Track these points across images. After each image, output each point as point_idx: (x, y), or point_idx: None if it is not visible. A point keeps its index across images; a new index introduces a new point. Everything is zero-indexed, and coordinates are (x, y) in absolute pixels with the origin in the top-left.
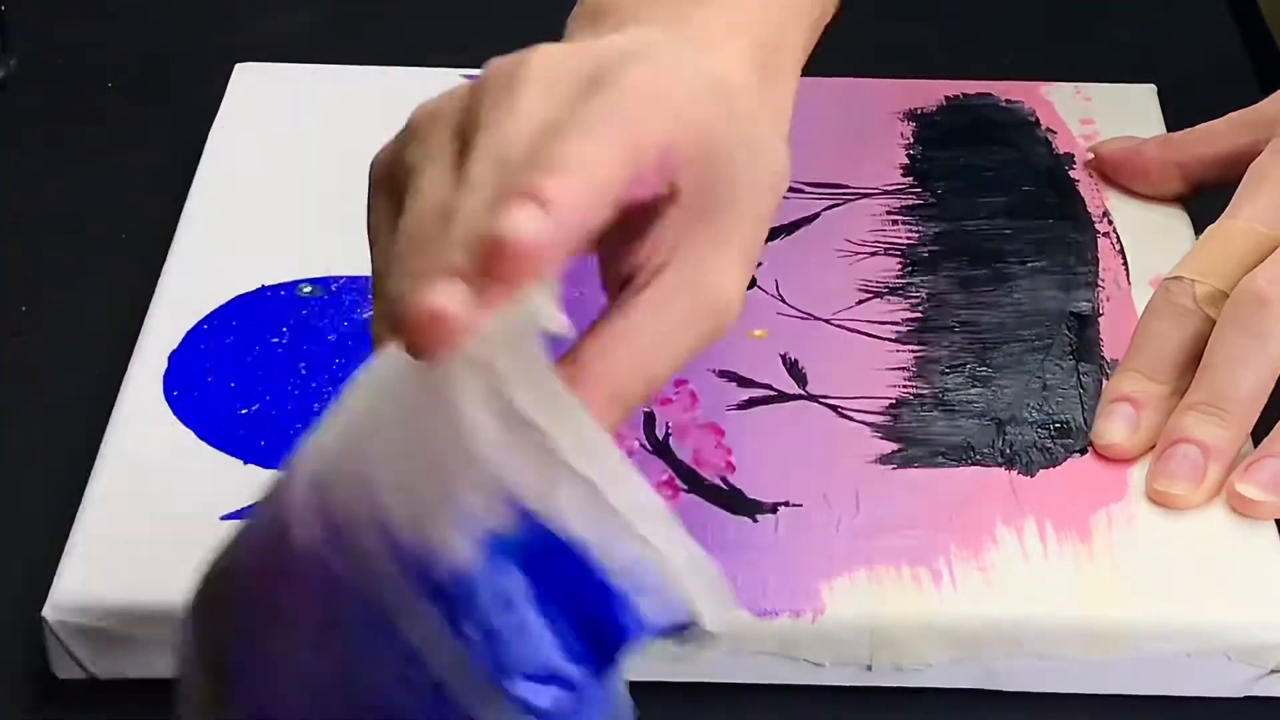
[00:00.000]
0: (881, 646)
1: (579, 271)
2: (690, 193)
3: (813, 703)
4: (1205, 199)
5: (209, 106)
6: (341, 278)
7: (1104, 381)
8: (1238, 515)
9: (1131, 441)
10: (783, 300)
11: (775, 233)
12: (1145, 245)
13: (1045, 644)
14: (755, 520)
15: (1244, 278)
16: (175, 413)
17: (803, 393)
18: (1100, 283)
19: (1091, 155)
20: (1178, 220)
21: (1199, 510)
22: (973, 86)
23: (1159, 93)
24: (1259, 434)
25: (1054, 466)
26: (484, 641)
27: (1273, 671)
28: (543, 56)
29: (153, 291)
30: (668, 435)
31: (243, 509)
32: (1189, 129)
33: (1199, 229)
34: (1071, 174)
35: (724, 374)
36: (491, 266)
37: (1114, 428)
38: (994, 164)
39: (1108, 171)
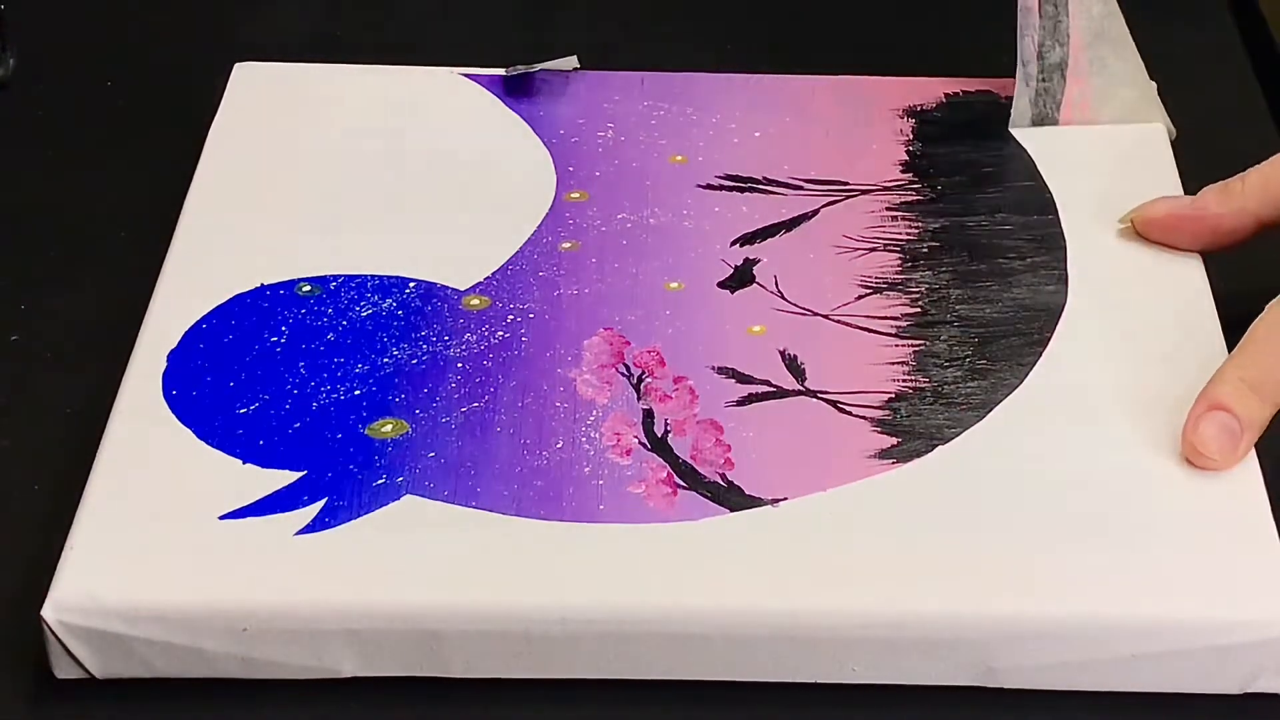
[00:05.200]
0: (881, 643)
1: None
2: None
3: (812, 700)
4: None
5: (209, 106)
6: (340, 276)
7: None
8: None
9: (1229, 460)
10: (782, 296)
11: (775, 229)
12: (1143, 240)
13: (1045, 641)
14: (754, 517)
15: None
16: (174, 412)
17: (801, 388)
18: None
19: (1125, 224)
20: None
21: (1199, 506)
22: (972, 84)
23: (1158, 90)
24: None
25: None
26: None
27: (1273, 667)
28: None
29: (152, 291)
30: (666, 432)
31: (242, 509)
32: (1238, 176)
33: None
34: None
35: (723, 370)
36: None
37: (1217, 441)
38: (993, 160)
39: (1157, 236)
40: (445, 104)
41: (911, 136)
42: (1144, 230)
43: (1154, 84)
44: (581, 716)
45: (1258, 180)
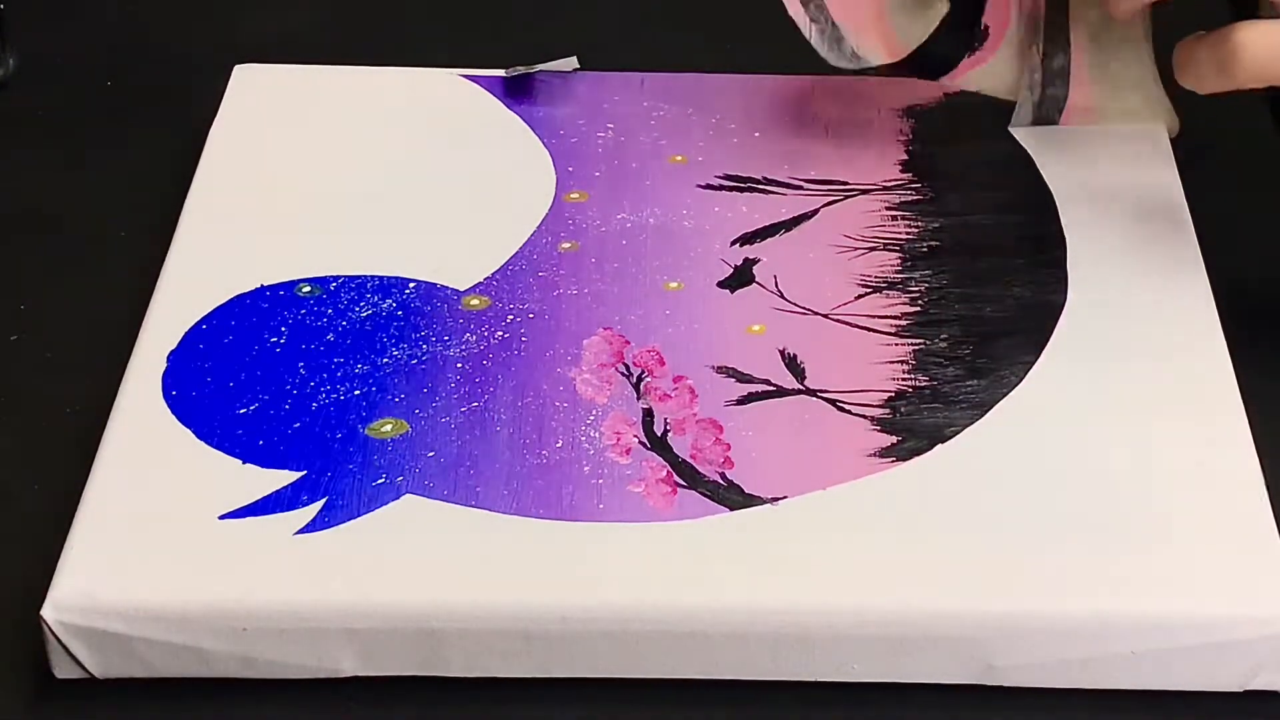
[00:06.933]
0: (880, 642)
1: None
2: None
3: (812, 700)
4: (1208, 203)
5: (209, 106)
6: (340, 277)
7: None
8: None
9: None
10: (781, 296)
11: (774, 229)
12: (1144, 237)
13: (1045, 639)
14: (754, 516)
15: None
16: (174, 413)
17: (801, 387)
18: None
19: None
20: (1176, 212)
21: (1198, 505)
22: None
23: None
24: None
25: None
26: None
27: (1273, 664)
28: None
29: (152, 291)
30: (666, 431)
31: (242, 509)
32: None
33: (1200, 226)
34: None
35: (722, 369)
36: None
37: None
38: (993, 160)
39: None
40: (445, 104)
41: (911, 136)
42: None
43: (1159, 81)
44: (581, 716)
45: None
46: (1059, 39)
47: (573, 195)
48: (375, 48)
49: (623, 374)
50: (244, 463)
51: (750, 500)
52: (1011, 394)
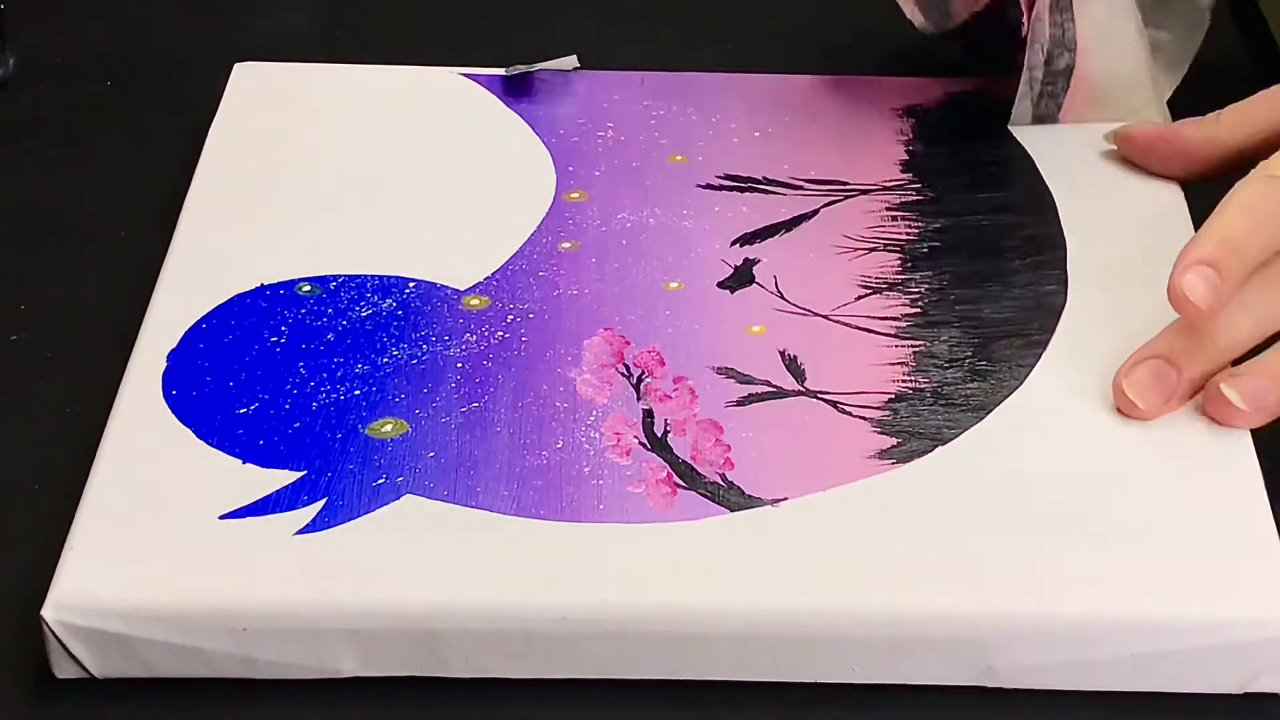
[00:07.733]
0: (881, 643)
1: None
2: None
3: (812, 700)
4: (1202, 187)
5: (209, 106)
6: (340, 276)
7: None
8: (1210, 419)
9: (1209, 305)
10: (782, 296)
11: (774, 229)
12: (1144, 237)
13: (1045, 641)
14: (754, 517)
15: None
16: (174, 413)
17: (801, 388)
18: None
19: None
20: (1176, 213)
21: (1199, 506)
22: (972, 84)
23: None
24: None
25: None
26: None
27: (1273, 666)
28: None
29: (152, 291)
30: (666, 432)
31: (242, 509)
32: (1218, 111)
33: (1198, 225)
34: None
35: (722, 370)
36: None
37: (1195, 286)
38: (993, 160)
39: (1133, 155)
40: (445, 104)
41: (911, 136)
42: (1122, 147)
43: (1156, 79)
44: (581, 716)
45: (1232, 114)
46: (1064, 40)
47: (573, 195)
48: (375, 47)
49: (623, 374)
50: (244, 463)
51: (751, 501)
52: (1011, 396)
